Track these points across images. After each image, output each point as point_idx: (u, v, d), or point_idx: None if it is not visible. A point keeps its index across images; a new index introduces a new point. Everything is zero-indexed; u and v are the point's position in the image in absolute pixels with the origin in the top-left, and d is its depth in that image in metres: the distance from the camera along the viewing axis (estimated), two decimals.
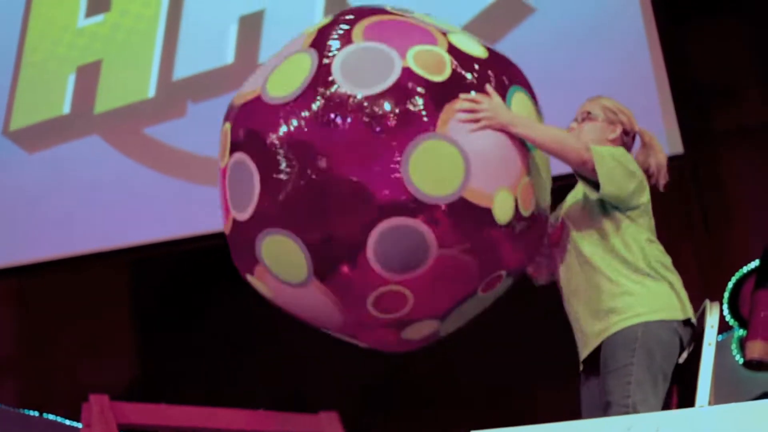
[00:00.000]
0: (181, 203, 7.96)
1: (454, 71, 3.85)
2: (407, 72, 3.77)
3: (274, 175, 3.76)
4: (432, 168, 3.70)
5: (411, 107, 3.72)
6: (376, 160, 3.68)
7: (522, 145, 3.92)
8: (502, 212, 3.82)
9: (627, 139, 4.27)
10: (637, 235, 4.01)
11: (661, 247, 4.07)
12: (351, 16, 3.98)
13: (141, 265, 8.37)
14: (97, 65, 8.46)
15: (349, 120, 3.71)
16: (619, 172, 3.95)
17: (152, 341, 8.35)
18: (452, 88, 3.82)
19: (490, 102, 3.84)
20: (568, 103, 6.07)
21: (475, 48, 4.01)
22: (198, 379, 7.77)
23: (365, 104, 3.72)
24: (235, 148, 3.91)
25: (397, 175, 3.67)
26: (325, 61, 3.82)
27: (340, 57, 3.81)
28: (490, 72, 3.95)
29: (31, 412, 7.25)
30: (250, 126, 3.86)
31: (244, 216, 3.88)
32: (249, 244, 3.91)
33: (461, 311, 4.01)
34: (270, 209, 3.79)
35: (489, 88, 3.90)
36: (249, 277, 4.08)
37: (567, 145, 3.93)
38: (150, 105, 8.24)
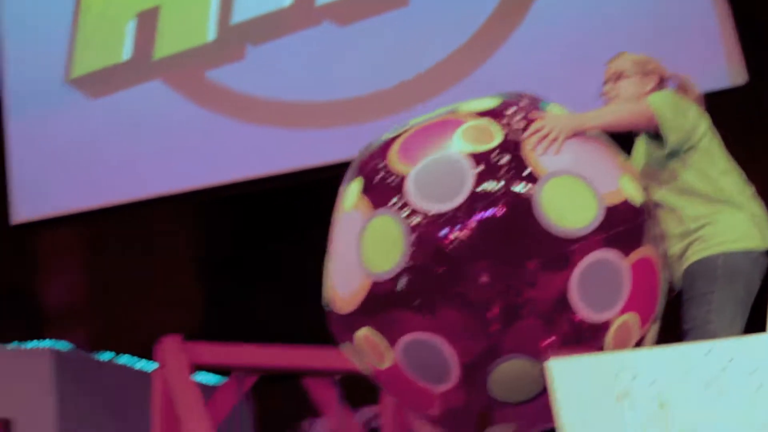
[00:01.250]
0: (242, 145, 8.00)
1: (502, 127, 3.82)
2: (474, 156, 3.72)
3: (463, 323, 3.66)
4: (568, 204, 3.67)
5: (505, 174, 3.68)
6: (526, 235, 3.63)
7: (594, 136, 3.92)
8: (635, 195, 3.83)
9: (662, 86, 4.27)
10: (709, 166, 4.00)
11: (739, 176, 4.06)
12: (378, 161, 3.86)
13: (206, 208, 8.43)
14: (156, 11, 8.50)
15: (478, 218, 3.62)
16: (678, 116, 3.96)
17: (220, 282, 8.42)
18: (512, 141, 3.78)
19: (548, 120, 3.85)
20: (630, 39, 6.09)
21: (487, 102, 3.98)
22: (266, 320, 7.83)
23: (474, 206, 3.64)
24: (395, 338, 3.75)
25: (551, 232, 3.62)
26: (405, 207, 3.71)
27: (412, 190, 3.72)
28: (519, 108, 3.93)
29: (105, 355, 7.37)
30: (398, 303, 3.70)
31: (448, 384, 3.77)
32: (478, 395, 3.79)
33: (661, 304, 3.97)
34: (479, 348, 3.68)
35: (535, 114, 3.90)
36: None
37: (635, 113, 3.96)
38: (209, 49, 8.28)
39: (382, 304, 3.72)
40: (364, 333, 3.83)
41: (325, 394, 6.58)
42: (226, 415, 6.35)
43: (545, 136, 3.80)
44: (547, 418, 3.64)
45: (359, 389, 6.63)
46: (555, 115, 3.89)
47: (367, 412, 7.33)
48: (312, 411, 7.06)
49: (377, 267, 3.72)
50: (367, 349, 3.88)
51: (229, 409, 6.40)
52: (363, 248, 3.77)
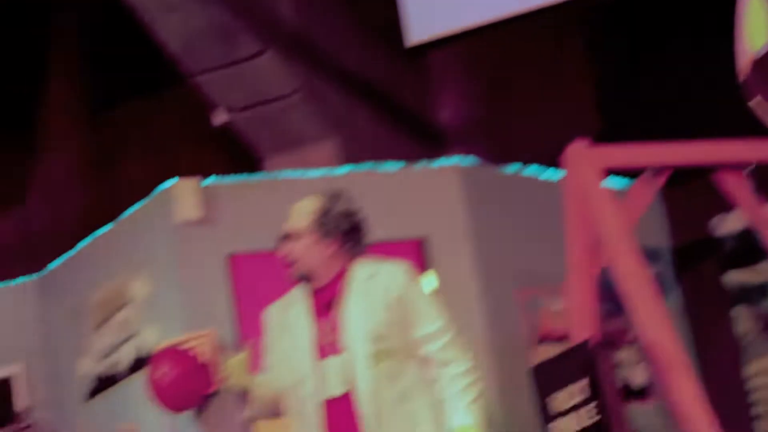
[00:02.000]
0: None
1: None
2: None
3: None
4: None
5: None
6: None
7: None
8: None
9: None
10: None
11: None
12: None
13: (595, 12, 8.35)
14: None
15: None
16: None
17: (617, 83, 8.35)
18: None
19: None
20: None
21: None
22: (667, 116, 7.71)
23: None
24: None
25: None
26: None
27: None
28: None
29: (511, 168, 7.43)
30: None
31: None
32: None
33: None
34: None
35: None
36: None
37: None
38: None
39: (758, 78, 3.85)
40: (753, 103, 4.00)
41: (737, 187, 6.45)
42: (640, 217, 6.34)
43: None
44: None
45: None
46: None
47: None
48: (722, 206, 6.96)
49: (753, 44, 3.84)
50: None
51: (642, 210, 6.37)
52: (745, 26, 3.90)
